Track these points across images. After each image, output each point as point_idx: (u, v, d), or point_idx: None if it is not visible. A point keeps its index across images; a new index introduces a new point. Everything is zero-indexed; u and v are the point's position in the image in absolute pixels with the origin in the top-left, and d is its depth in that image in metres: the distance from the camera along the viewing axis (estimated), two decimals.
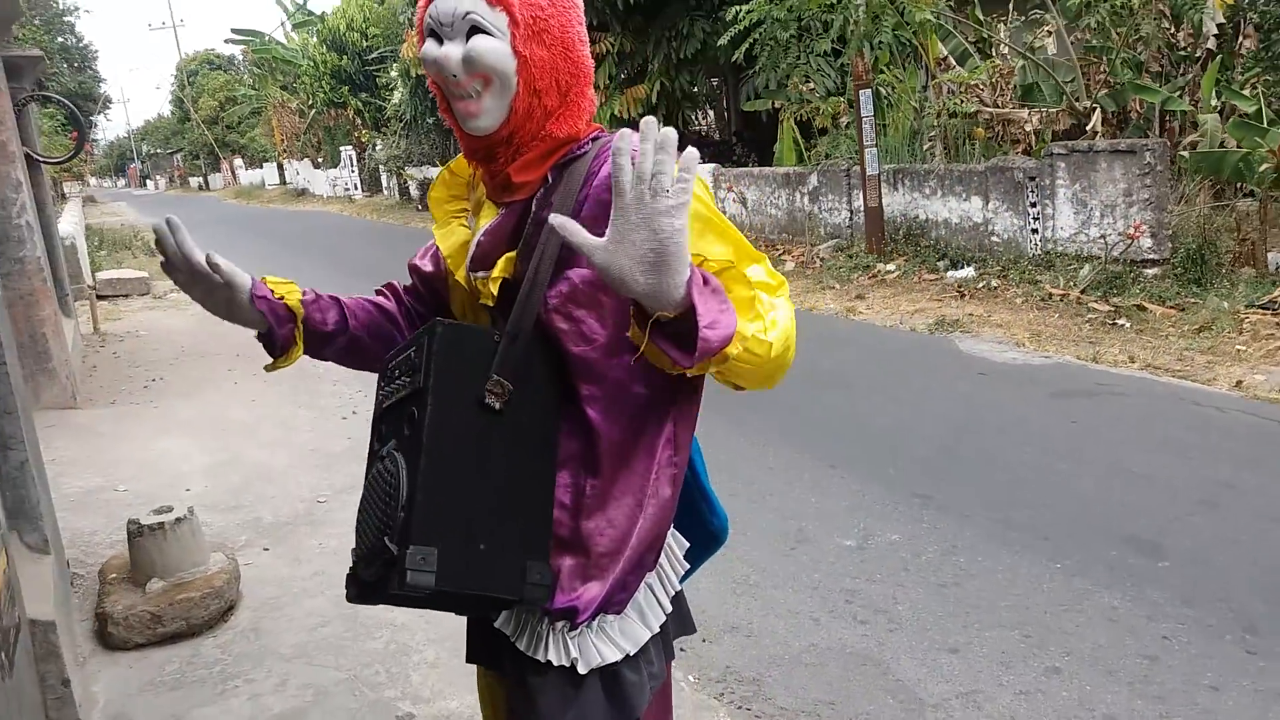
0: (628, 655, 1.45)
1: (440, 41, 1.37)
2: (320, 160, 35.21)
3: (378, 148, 27.23)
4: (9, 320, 6.35)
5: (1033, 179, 8.67)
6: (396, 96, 22.54)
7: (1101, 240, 8.17)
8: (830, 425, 5.48)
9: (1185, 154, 8.28)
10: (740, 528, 4.17)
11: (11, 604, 2.63)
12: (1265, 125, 7.76)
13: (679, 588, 1.56)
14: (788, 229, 11.99)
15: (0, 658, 2.38)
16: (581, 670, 1.42)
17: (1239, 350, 6.47)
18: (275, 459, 5.57)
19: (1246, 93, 8.61)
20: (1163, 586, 3.46)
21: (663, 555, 1.51)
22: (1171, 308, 7.50)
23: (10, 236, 6.48)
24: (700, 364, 1.19)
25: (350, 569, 1.43)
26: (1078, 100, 9.30)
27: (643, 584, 1.47)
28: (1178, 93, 9.32)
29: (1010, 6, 10.20)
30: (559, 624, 1.42)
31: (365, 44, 26.68)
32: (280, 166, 41.16)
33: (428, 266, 1.68)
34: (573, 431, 1.40)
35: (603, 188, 1.35)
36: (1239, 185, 8.58)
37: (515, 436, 1.36)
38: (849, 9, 9.63)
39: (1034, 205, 8.71)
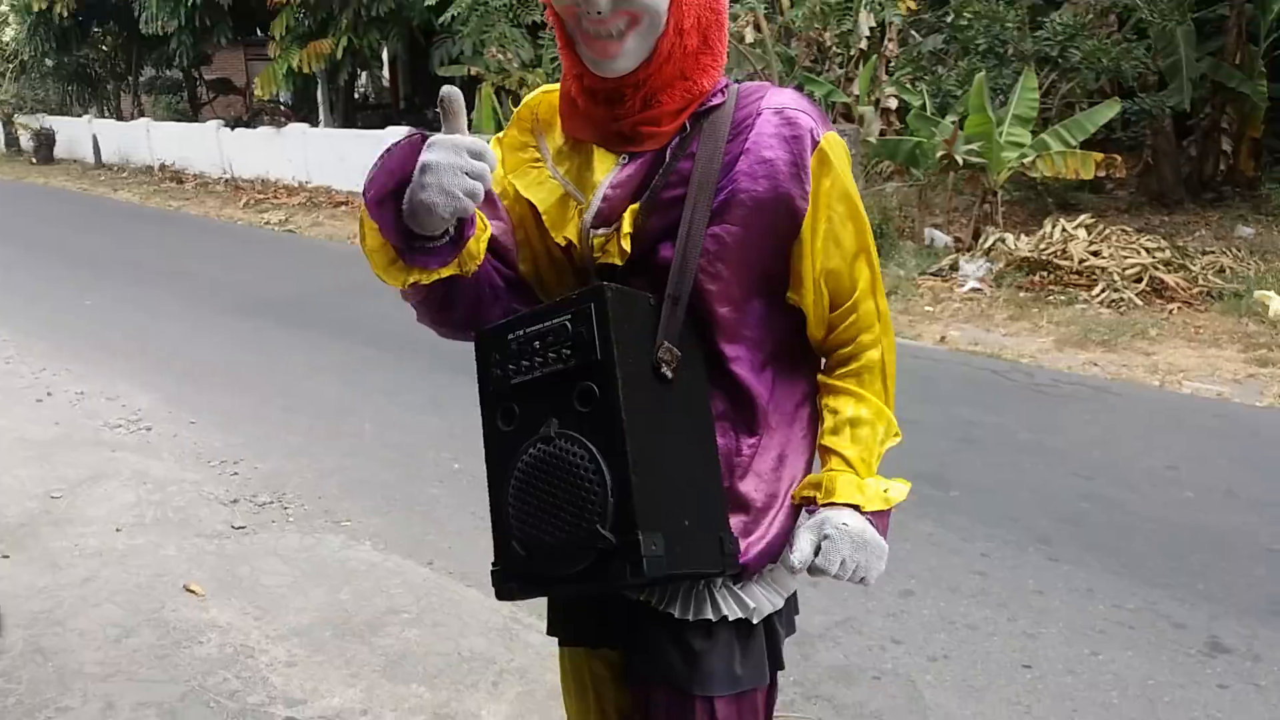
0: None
1: None
2: None
3: None
4: None
5: None
6: (9, 34, 19.35)
7: None
8: None
9: (872, 140, 9.21)
10: None
11: None
12: (938, 118, 8.84)
13: None
14: None
15: None
16: (755, 621, 1.38)
17: (928, 311, 7.37)
18: None
19: (911, 88, 9.74)
20: (961, 512, 3.89)
21: None
22: None
23: None
24: None
25: (501, 566, 1.29)
26: None
27: None
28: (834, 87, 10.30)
29: None
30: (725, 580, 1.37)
31: None
32: None
33: (502, 222, 1.43)
34: (721, 393, 1.36)
35: (759, 146, 1.29)
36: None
37: (686, 405, 1.31)
38: None
39: None
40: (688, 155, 1.30)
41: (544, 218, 1.37)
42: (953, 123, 8.72)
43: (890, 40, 11.11)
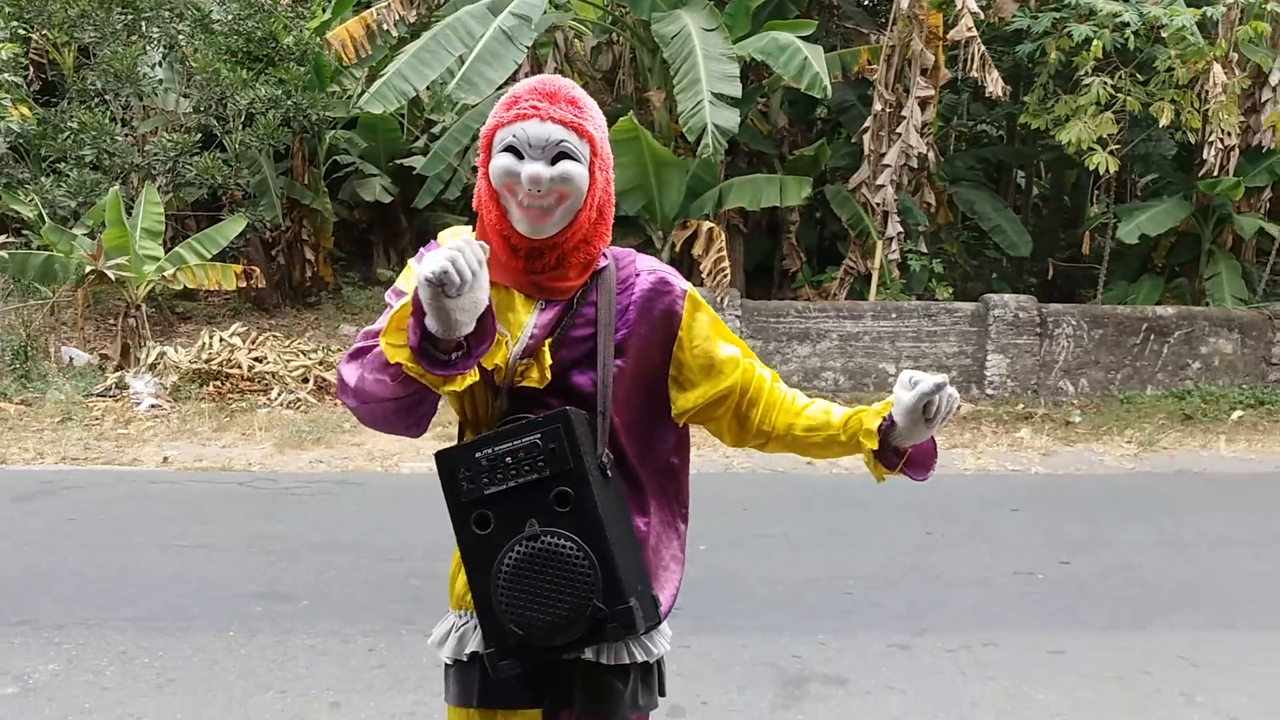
0: None
1: (519, 157, 1.59)
2: None
3: None
4: None
5: None
6: None
7: None
8: None
9: (4, 255, 8.22)
10: None
11: None
12: (65, 230, 8.36)
13: None
14: None
15: None
16: (652, 661, 1.77)
17: (125, 434, 7.08)
18: None
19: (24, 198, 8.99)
20: (307, 619, 4.16)
21: None
22: (21, 403, 7.54)
23: None
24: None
25: (494, 648, 1.61)
26: None
27: None
28: None
29: None
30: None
31: None
32: None
33: None
34: (629, 483, 1.76)
35: (643, 299, 1.75)
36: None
37: (617, 494, 1.70)
38: None
39: None
40: (589, 304, 1.71)
41: None
42: (86, 235, 8.39)
43: None
